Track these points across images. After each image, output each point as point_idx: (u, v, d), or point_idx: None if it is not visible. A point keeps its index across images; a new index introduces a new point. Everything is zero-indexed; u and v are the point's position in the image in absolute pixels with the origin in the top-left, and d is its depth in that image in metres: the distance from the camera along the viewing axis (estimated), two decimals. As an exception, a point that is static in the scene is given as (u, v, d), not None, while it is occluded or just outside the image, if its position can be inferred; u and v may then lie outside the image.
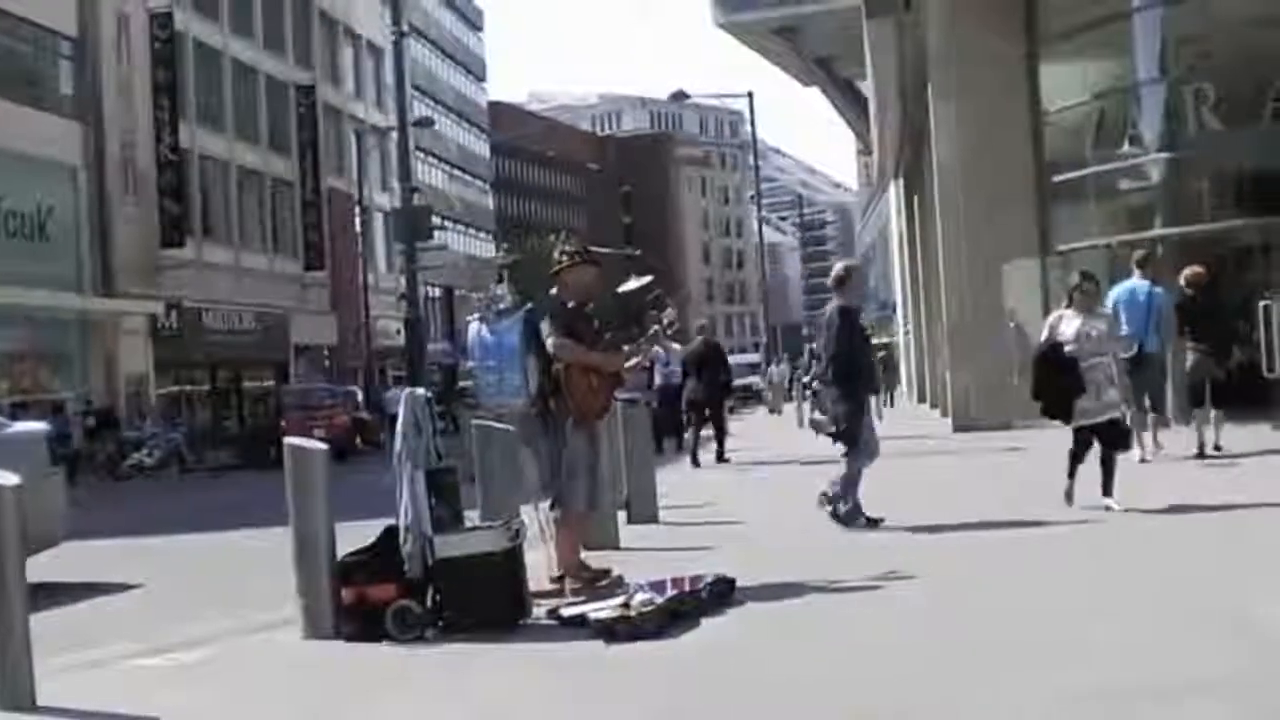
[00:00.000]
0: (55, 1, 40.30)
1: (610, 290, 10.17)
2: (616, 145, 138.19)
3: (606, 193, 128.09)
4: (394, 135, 46.19)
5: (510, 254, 70.54)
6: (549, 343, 8.78)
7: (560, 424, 8.90)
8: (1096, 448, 11.19)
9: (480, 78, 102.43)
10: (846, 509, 11.23)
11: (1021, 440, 18.49)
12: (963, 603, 7.88)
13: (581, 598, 8.25)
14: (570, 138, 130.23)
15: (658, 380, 21.55)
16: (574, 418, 8.91)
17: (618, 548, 10.78)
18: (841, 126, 46.83)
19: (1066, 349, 11.06)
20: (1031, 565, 9.06)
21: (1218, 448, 15.22)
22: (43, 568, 9.52)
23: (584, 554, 9.30)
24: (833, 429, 11.34)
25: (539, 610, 7.97)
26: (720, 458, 21.02)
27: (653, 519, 12.67)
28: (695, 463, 20.73)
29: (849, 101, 44.81)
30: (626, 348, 9.58)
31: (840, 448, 11.45)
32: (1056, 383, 11.10)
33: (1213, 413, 15.36)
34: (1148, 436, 15.06)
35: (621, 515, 11.97)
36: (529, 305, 9.06)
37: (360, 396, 43.24)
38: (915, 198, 35.61)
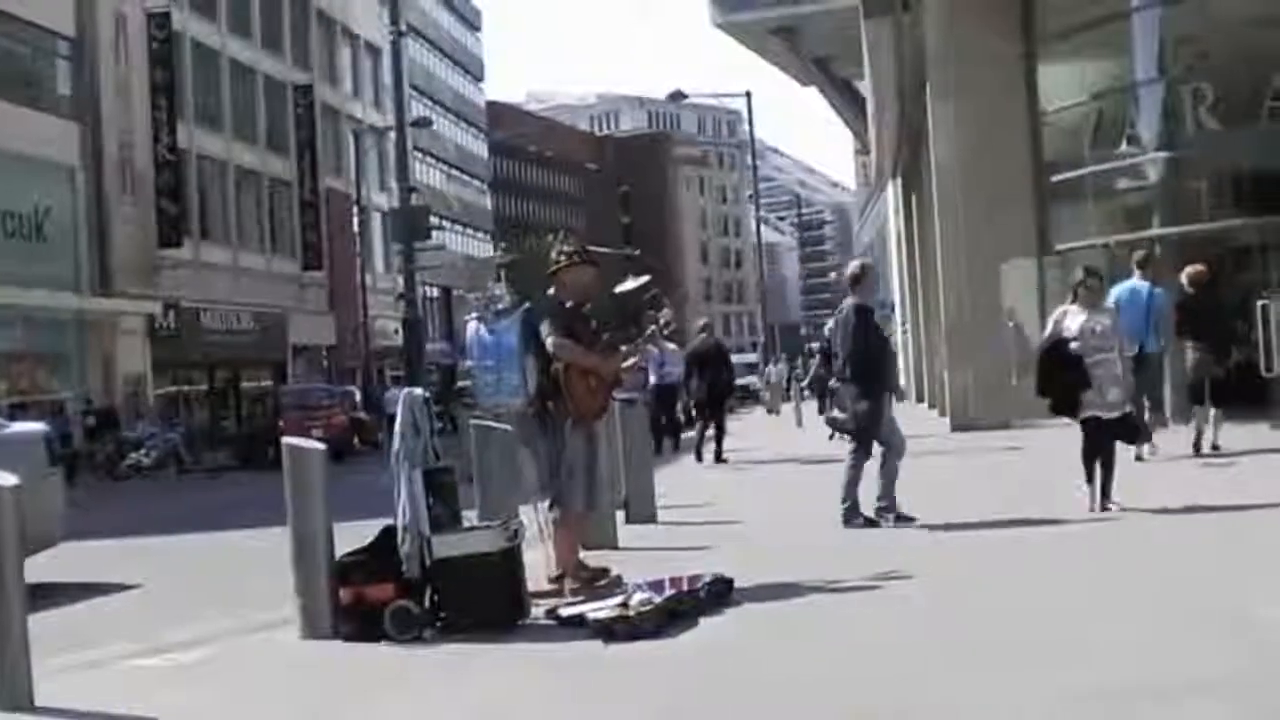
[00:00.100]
0: (53, 2, 40.27)
1: (608, 290, 10.16)
2: (615, 145, 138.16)
3: (605, 193, 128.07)
4: (392, 135, 46.22)
5: (508, 253, 70.57)
6: (548, 342, 8.77)
7: (558, 424, 8.90)
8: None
9: (478, 77, 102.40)
10: (845, 508, 11.22)
11: (1020, 440, 18.51)
12: (962, 602, 7.87)
13: (580, 598, 8.24)
14: (568, 138, 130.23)
15: (651, 379, 21.53)
16: (572, 418, 8.91)
17: (616, 547, 10.77)
18: (840, 126, 46.81)
19: (1071, 345, 11.02)
20: (1031, 565, 9.06)
21: (1215, 447, 15.21)
22: (41, 568, 9.52)
23: (582, 554, 9.29)
24: (852, 427, 11.31)
25: (537, 610, 7.96)
26: (718, 458, 21.01)
27: (651, 519, 12.66)
28: (699, 458, 20.79)
29: (847, 101, 44.81)
30: (624, 348, 9.57)
31: (849, 447, 11.42)
32: (1061, 379, 11.04)
33: (1212, 411, 15.35)
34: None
35: (620, 515, 11.97)
36: (527, 305, 9.05)
37: (358, 396, 43.21)
38: (913, 197, 35.62)
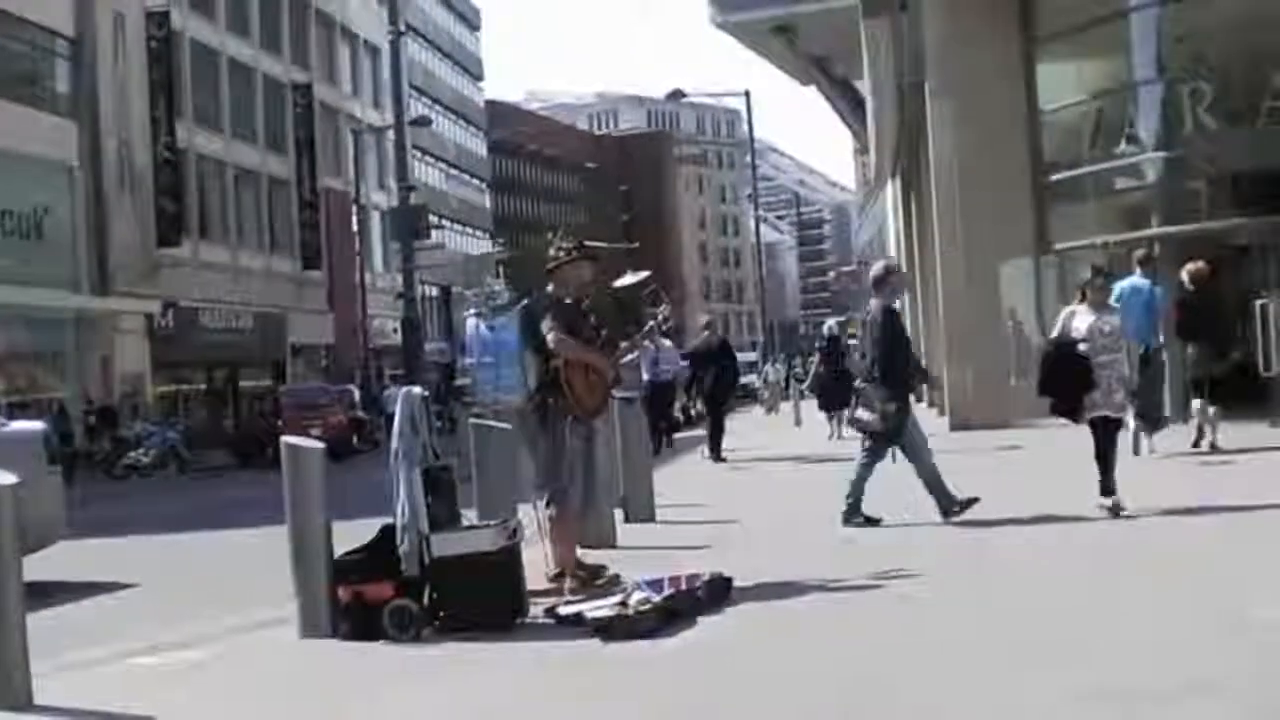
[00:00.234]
0: (52, 1, 40.24)
1: (607, 284, 10.15)
2: (614, 144, 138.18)
3: (604, 192, 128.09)
4: (391, 134, 46.28)
5: (505, 249, 70.55)
6: (549, 338, 8.77)
7: (558, 420, 8.89)
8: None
9: (477, 77, 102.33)
10: (848, 505, 11.19)
11: (1020, 439, 18.50)
12: (961, 602, 7.87)
13: (579, 596, 8.24)
14: (567, 137, 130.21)
15: (645, 377, 21.52)
16: (572, 414, 8.90)
17: (615, 546, 10.77)
18: (839, 125, 46.79)
19: (1080, 346, 10.92)
20: (1031, 564, 9.05)
21: (1214, 447, 15.20)
22: (40, 566, 9.51)
23: (580, 552, 9.29)
24: (880, 428, 11.28)
25: (536, 609, 7.96)
26: (717, 457, 21.01)
27: (650, 518, 12.66)
28: (716, 455, 20.86)
29: (846, 100, 44.74)
30: (624, 344, 9.57)
31: (863, 445, 11.39)
32: (1067, 379, 10.93)
33: (1210, 409, 15.35)
34: (1141, 436, 15.04)
35: (618, 514, 11.97)
36: (526, 301, 9.05)
37: (357, 395, 43.19)
38: (912, 197, 35.60)
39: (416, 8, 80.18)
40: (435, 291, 73.04)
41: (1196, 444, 15.19)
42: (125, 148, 43.00)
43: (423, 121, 59.92)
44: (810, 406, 28.78)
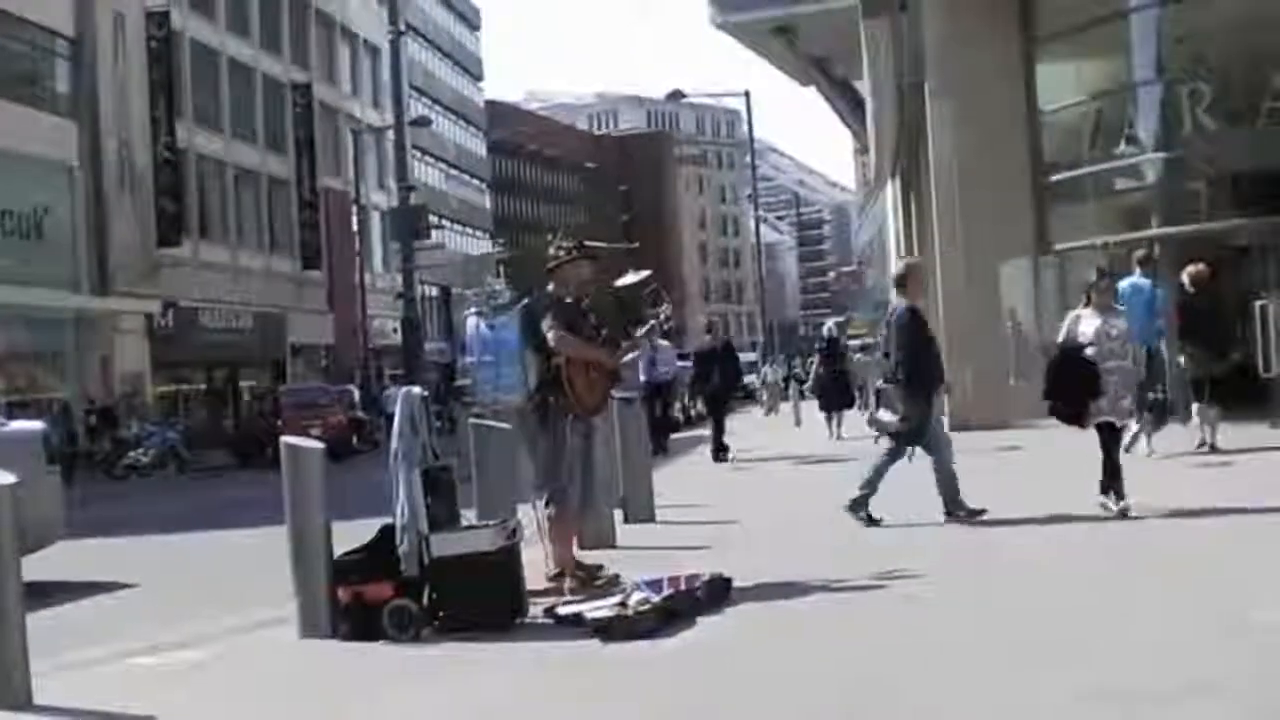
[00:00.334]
0: (52, 1, 40.24)
1: (608, 284, 10.14)
2: (614, 144, 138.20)
3: (604, 192, 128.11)
4: (391, 134, 46.26)
5: (505, 249, 70.45)
6: (549, 336, 8.77)
7: (558, 419, 8.89)
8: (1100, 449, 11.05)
9: (477, 77, 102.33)
10: (860, 495, 11.16)
11: (1019, 440, 18.49)
12: (962, 602, 7.86)
13: (578, 597, 8.23)
14: (567, 137, 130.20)
15: (642, 377, 21.52)
16: (572, 413, 8.90)
17: (614, 546, 10.76)
18: (839, 126, 46.79)
19: (1088, 350, 10.81)
20: (1031, 565, 9.05)
21: (1214, 447, 15.21)
22: (39, 567, 9.51)
23: (579, 553, 9.29)
24: (900, 429, 11.25)
25: (535, 609, 7.95)
26: (719, 457, 21.02)
27: (649, 518, 12.66)
28: (723, 455, 20.85)
29: (846, 101, 44.74)
30: (625, 343, 9.56)
31: (885, 444, 11.37)
32: (1074, 385, 10.81)
33: (1210, 410, 15.35)
34: (1143, 436, 15.04)
35: (618, 514, 11.97)
36: (526, 300, 9.05)
37: (357, 396, 43.19)
38: (912, 197, 35.59)
39: (416, 7, 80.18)
40: (435, 292, 73.04)
41: (1202, 442, 15.20)
42: (125, 148, 43.00)
43: (422, 121, 59.92)
44: (810, 407, 28.78)
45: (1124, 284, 15.33)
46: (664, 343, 22.74)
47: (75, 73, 41.62)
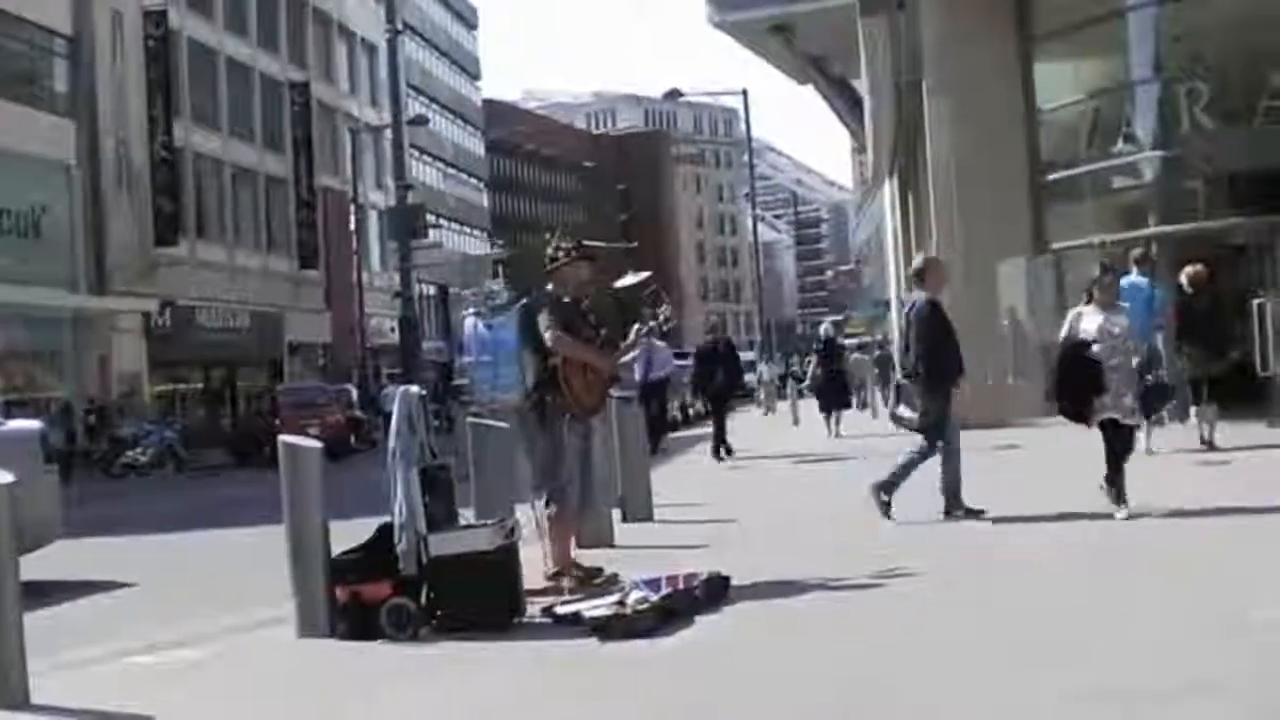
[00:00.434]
0: (50, -1, 40.28)
1: (608, 285, 10.13)
2: (611, 143, 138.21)
3: (601, 191, 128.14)
4: (388, 133, 46.18)
5: (504, 249, 70.37)
6: (546, 336, 8.76)
7: (555, 419, 8.88)
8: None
9: (475, 76, 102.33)
10: (885, 481, 11.13)
11: (1018, 438, 18.50)
12: (961, 601, 7.86)
13: (576, 596, 8.23)
14: (565, 136, 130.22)
15: (637, 376, 21.50)
16: (569, 413, 8.89)
17: (612, 545, 10.75)
18: (836, 124, 46.78)
19: (1094, 348, 10.73)
20: (1030, 564, 9.04)
21: (1213, 446, 15.22)
22: (37, 566, 9.50)
23: (577, 552, 9.28)
24: (919, 426, 11.22)
25: (533, 608, 7.95)
26: (720, 455, 21.04)
27: (648, 517, 12.66)
28: (727, 453, 20.83)
29: (844, 99, 44.72)
30: (624, 343, 9.55)
31: (916, 441, 11.34)
32: (1079, 382, 10.75)
33: (1209, 410, 15.36)
34: (1141, 435, 15.03)
35: (616, 513, 11.96)
36: (525, 300, 9.05)
37: (355, 395, 43.17)
38: (910, 196, 35.58)
39: (414, 6, 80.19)
40: (433, 291, 73.02)
41: (1202, 441, 15.22)
42: (123, 147, 42.98)
43: (420, 120, 59.90)
44: (808, 405, 28.78)
45: (1122, 283, 15.31)
46: (660, 343, 22.73)
47: (73, 72, 41.61)
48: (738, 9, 36.54)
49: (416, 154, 72.79)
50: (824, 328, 31.44)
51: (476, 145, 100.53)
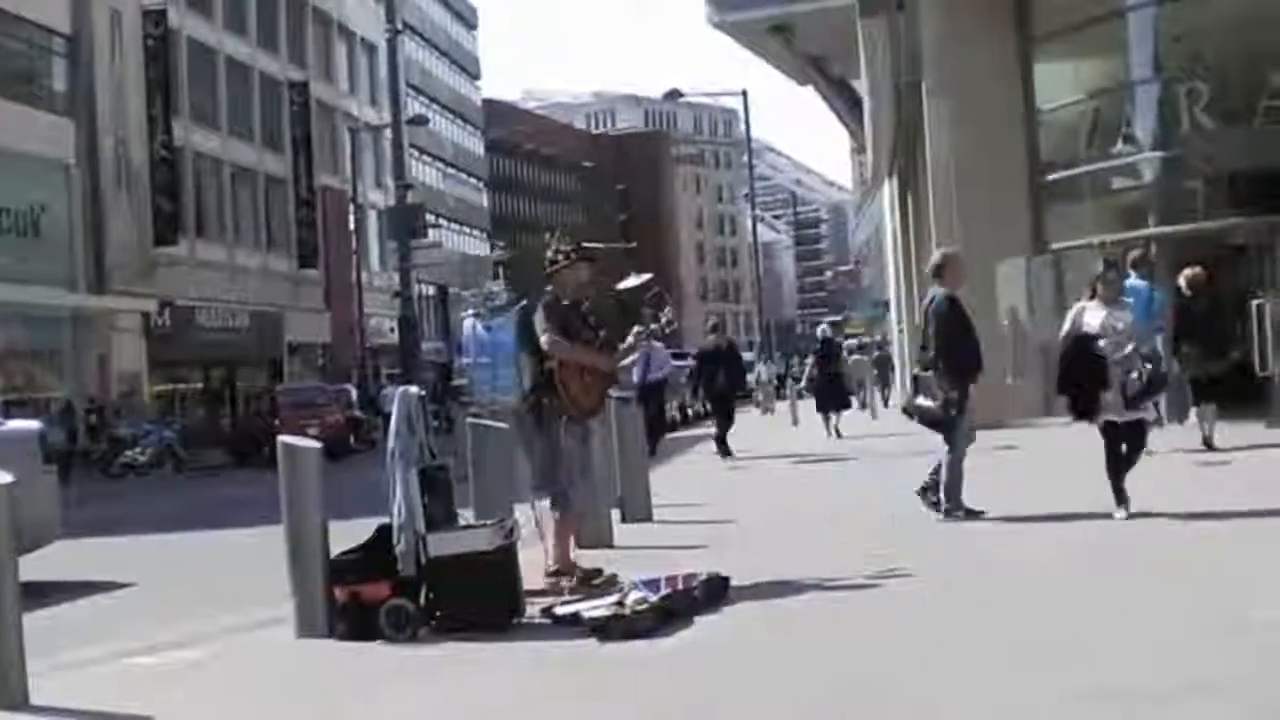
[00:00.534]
0: (49, -2, 40.25)
1: (609, 287, 10.12)
2: (611, 143, 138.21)
3: (601, 191, 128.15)
4: (388, 133, 46.20)
5: (505, 251, 70.38)
6: (542, 339, 8.76)
7: (552, 421, 8.88)
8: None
9: (475, 75, 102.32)
10: (948, 499, 11.08)
11: (1016, 439, 18.49)
12: (959, 601, 7.85)
13: (576, 596, 8.22)
14: (564, 136, 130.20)
15: (635, 377, 21.49)
16: (567, 415, 8.89)
17: (612, 546, 10.75)
18: (836, 125, 46.79)
19: (1100, 343, 10.66)
20: (1029, 564, 9.04)
21: (1212, 446, 15.22)
22: (36, 566, 9.49)
23: (577, 553, 9.28)
24: (942, 416, 11.19)
25: (532, 609, 7.94)
26: (725, 454, 21.07)
27: (647, 518, 12.65)
28: (726, 454, 20.86)
29: (844, 100, 44.73)
30: (622, 346, 9.54)
31: (941, 444, 11.32)
32: (1084, 377, 10.70)
33: (1208, 409, 15.37)
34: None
35: (615, 514, 11.96)
36: (524, 302, 9.04)
37: (354, 395, 43.15)
38: (909, 196, 35.58)
39: (414, 6, 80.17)
40: (432, 291, 72.99)
41: (1204, 442, 15.23)
42: (122, 146, 42.96)
43: (420, 120, 59.90)
44: (807, 406, 28.77)
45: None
46: (658, 344, 22.73)
47: (72, 71, 41.59)
48: (737, 9, 36.55)
49: (416, 154, 72.78)
50: (822, 328, 31.47)
51: (476, 145, 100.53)
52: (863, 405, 32.45)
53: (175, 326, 45.69)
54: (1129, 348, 10.75)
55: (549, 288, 9.10)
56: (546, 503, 9.08)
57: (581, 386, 8.93)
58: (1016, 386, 20.63)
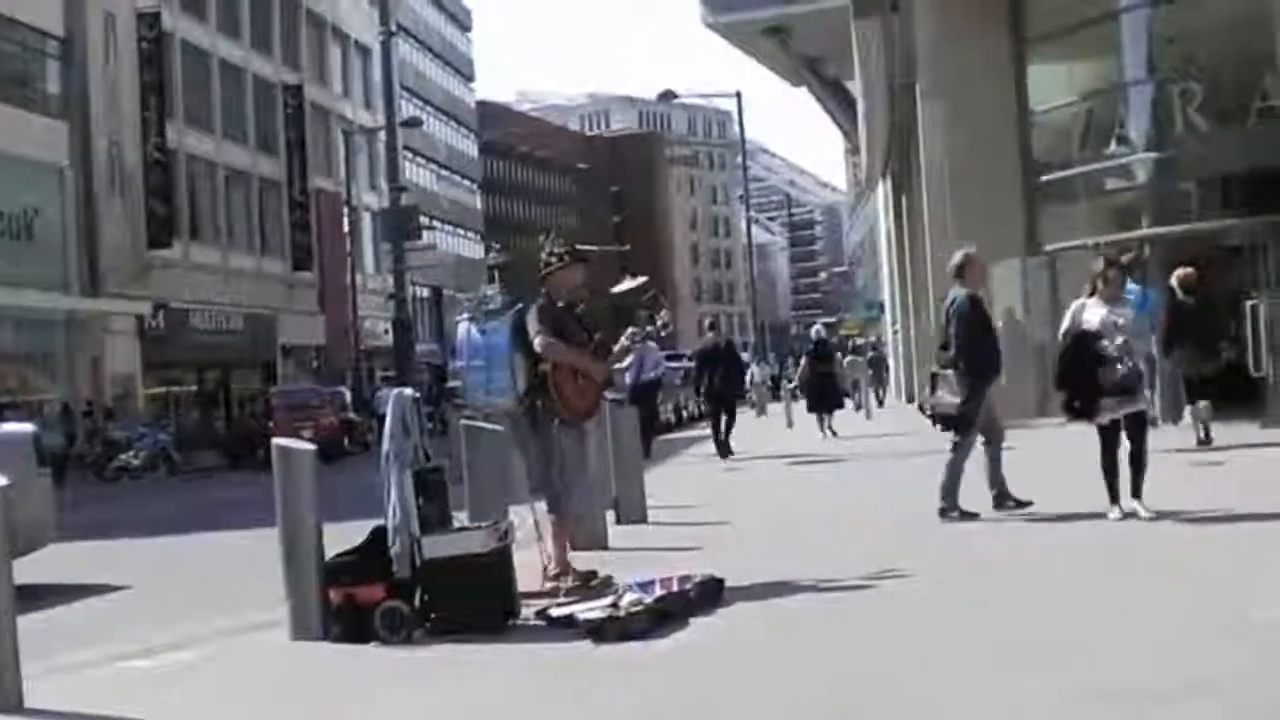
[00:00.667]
0: (42, 1, 40.16)
1: (604, 290, 10.11)
2: (605, 145, 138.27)
3: (595, 192, 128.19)
4: (382, 135, 46.16)
5: (500, 254, 70.36)
6: (535, 341, 8.74)
7: (547, 423, 8.86)
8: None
9: (469, 77, 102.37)
10: (942, 500, 11.09)
11: (1012, 439, 18.44)
12: (957, 601, 7.84)
13: (571, 598, 8.21)
14: (559, 138, 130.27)
15: (628, 379, 21.48)
16: (561, 418, 8.87)
17: (607, 548, 10.74)
18: (830, 126, 46.87)
19: (1102, 342, 10.58)
20: (1027, 564, 9.03)
21: (1209, 440, 15.25)
22: (30, 569, 9.47)
23: (572, 554, 9.26)
24: (957, 413, 11.18)
25: (527, 611, 7.94)
26: (724, 453, 21.08)
27: (641, 519, 12.64)
28: (729, 451, 20.87)
29: (838, 101, 44.82)
30: (616, 348, 9.52)
31: (952, 440, 11.30)
32: (1082, 374, 10.63)
33: (1201, 407, 15.39)
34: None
35: (610, 515, 11.94)
36: (518, 305, 9.03)
37: (348, 397, 43.13)
38: (903, 198, 35.64)
39: (407, 8, 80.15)
40: (426, 293, 72.99)
41: (1199, 440, 15.25)
42: (116, 149, 42.91)
43: (414, 122, 59.88)
44: (801, 407, 28.77)
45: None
46: (651, 345, 22.73)
47: (66, 73, 41.55)
48: (732, 11, 36.64)
49: (410, 156, 72.81)
50: (816, 328, 31.53)
51: (470, 147, 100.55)
52: (858, 406, 32.49)
53: (169, 329, 45.64)
54: (1120, 339, 10.70)
55: (543, 290, 9.09)
56: (544, 505, 9.06)
57: (576, 389, 8.91)
58: (1012, 388, 20.60)
